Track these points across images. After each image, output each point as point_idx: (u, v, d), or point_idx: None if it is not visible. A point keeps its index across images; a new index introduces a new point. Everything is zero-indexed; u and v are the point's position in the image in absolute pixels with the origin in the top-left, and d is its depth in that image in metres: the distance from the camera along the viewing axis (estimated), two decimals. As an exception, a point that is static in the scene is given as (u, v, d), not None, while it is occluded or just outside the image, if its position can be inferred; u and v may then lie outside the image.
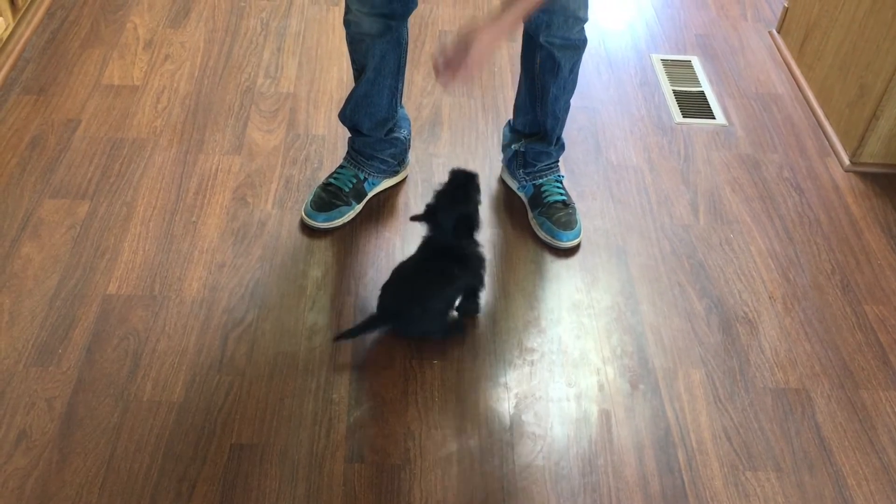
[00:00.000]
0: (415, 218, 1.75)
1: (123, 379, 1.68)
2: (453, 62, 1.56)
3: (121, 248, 1.93)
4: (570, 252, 2.03)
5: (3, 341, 1.73)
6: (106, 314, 1.79)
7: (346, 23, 1.88)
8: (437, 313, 1.76)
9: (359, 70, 1.94)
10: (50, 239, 1.94)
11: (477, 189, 1.77)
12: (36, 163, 2.12)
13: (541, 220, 2.04)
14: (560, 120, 2.01)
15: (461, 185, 1.75)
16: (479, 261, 1.80)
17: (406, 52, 1.94)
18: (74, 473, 1.53)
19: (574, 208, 2.06)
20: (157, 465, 1.56)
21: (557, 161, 2.10)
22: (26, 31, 2.49)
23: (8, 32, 2.37)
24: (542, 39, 1.84)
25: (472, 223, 1.74)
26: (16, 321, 1.77)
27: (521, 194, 2.13)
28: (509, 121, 2.15)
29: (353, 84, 1.98)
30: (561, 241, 2.02)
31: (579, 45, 1.88)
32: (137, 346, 1.74)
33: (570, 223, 2.03)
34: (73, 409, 1.63)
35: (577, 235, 2.04)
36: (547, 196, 2.06)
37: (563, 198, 2.06)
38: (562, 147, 2.09)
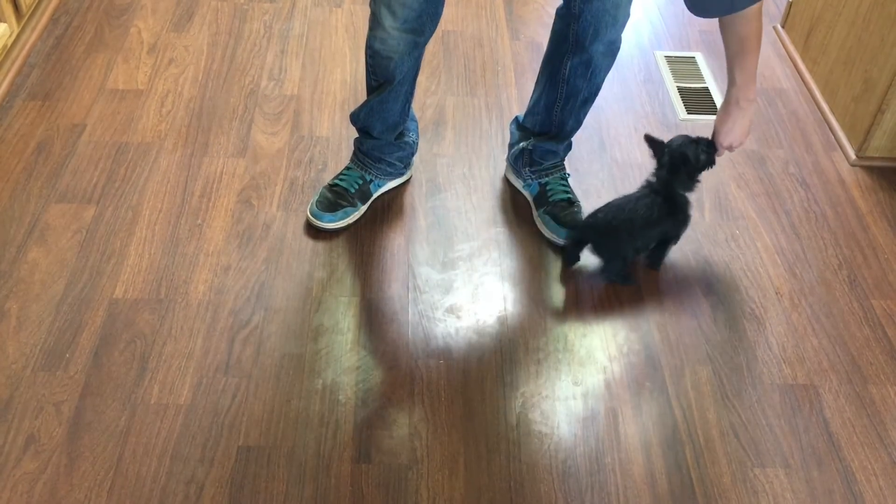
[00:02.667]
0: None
1: (131, 382, 1.69)
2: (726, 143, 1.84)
3: (127, 252, 1.94)
4: (575, 250, 2.02)
5: (11, 346, 1.74)
6: (112, 318, 1.80)
7: (373, 38, 1.82)
8: (630, 248, 1.90)
9: (379, 83, 1.91)
10: (56, 243, 1.95)
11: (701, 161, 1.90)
12: (42, 168, 2.13)
13: (546, 218, 2.04)
14: (581, 123, 2.01)
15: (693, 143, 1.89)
16: (685, 215, 1.91)
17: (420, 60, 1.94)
18: (83, 477, 1.54)
19: (579, 206, 2.06)
20: (165, 467, 1.56)
21: (563, 159, 2.10)
22: (31, 37, 2.50)
23: (13, 39, 2.37)
24: (589, 46, 1.82)
25: (692, 168, 1.87)
26: (23, 326, 1.77)
27: (525, 193, 2.12)
28: (517, 117, 2.14)
29: (359, 85, 1.98)
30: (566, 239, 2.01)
31: (616, 51, 1.87)
32: (144, 349, 1.75)
33: (575, 221, 2.02)
34: (80, 413, 1.63)
35: (583, 233, 2.03)
36: (552, 194, 2.05)
37: (569, 196, 2.06)
38: (569, 146, 2.09)
